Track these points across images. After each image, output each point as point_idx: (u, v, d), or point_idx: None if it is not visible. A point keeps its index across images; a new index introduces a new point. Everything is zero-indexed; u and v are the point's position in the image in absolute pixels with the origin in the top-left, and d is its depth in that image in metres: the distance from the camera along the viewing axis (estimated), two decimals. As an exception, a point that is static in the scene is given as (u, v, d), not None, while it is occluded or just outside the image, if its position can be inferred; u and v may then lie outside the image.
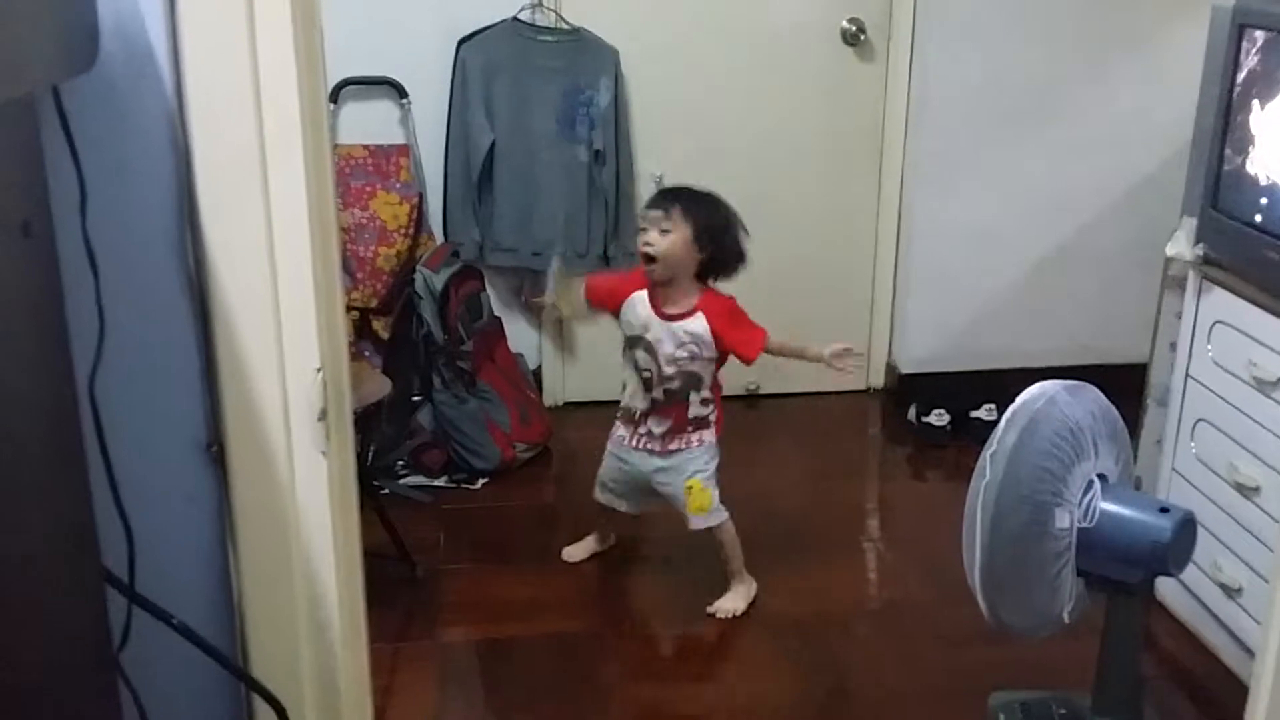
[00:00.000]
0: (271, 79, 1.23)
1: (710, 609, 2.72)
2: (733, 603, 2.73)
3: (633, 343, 2.65)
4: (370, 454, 3.20)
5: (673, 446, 2.69)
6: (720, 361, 2.68)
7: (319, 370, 1.32)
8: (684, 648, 2.67)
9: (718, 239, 2.57)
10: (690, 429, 2.68)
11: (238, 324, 1.27)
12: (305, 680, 1.38)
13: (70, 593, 1.18)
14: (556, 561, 2.95)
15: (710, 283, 2.64)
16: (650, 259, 2.55)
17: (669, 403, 2.65)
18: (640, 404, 2.68)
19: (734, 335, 2.61)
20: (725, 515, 2.73)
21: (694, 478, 2.68)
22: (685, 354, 2.60)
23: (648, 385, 2.65)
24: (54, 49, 1.08)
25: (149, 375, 1.30)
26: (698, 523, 2.71)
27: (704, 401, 2.68)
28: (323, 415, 1.34)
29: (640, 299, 2.62)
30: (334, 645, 1.39)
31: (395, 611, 2.70)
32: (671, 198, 2.58)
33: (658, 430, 2.68)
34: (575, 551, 2.94)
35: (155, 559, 1.30)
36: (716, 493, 2.71)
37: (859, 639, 2.68)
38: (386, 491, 3.14)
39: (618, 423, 2.76)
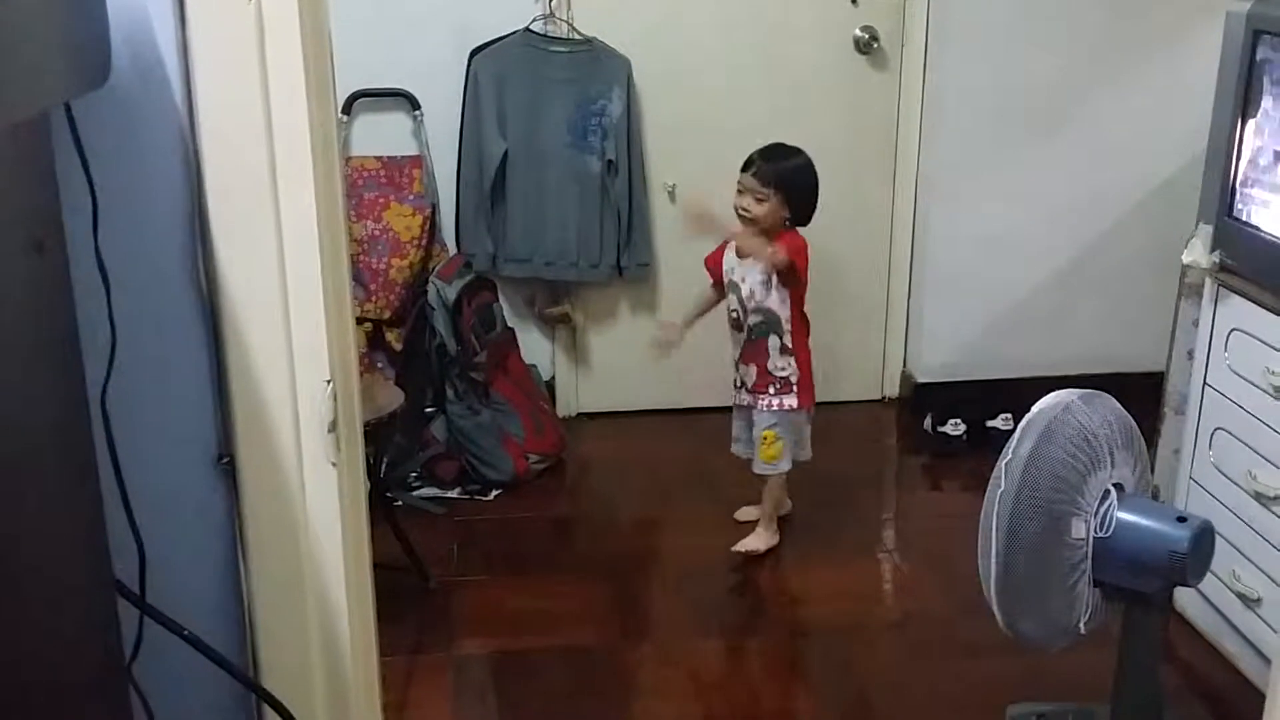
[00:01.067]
0: (281, 96, 1.24)
1: (735, 547, 2.98)
2: (754, 542, 3.00)
3: (727, 289, 2.96)
4: (383, 465, 3.21)
5: (760, 404, 2.94)
6: (797, 301, 2.91)
7: (329, 382, 1.33)
8: (700, 660, 2.66)
9: (805, 199, 2.89)
10: (772, 388, 2.93)
11: (248, 337, 1.28)
12: (316, 691, 1.39)
13: (82, 604, 1.19)
14: (570, 573, 2.95)
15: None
16: (747, 220, 2.86)
17: (753, 341, 2.92)
18: (734, 351, 2.98)
19: (789, 259, 2.84)
20: (787, 469, 3.00)
21: (770, 429, 2.94)
22: (760, 284, 2.87)
23: (738, 325, 2.94)
24: (67, 66, 1.09)
25: (160, 388, 1.31)
26: (762, 469, 2.99)
27: (783, 350, 2.91)
28: (332, 427, 1.34)
29: (730, 247, 2.94)
30: (344, 655, 1.40)
31: (409, 624, 2.69)
32: (767, 167, 2.85)
33: (748, 381, 2.96)
34: (747, 511, 3.13)
35: (166, 570, 1.31)
36: (789, 447, 2.98)
37: (876, 650, 2.67)
38: (400, 503, 3.14)
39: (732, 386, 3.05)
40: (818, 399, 3.86)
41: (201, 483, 1.34)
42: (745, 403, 2.99)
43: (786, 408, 2.94)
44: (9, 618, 1.02)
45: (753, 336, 2.92)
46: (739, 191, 2.87)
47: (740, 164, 2.90)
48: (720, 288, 3.01)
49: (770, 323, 2.90)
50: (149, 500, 1.28)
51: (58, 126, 1.19)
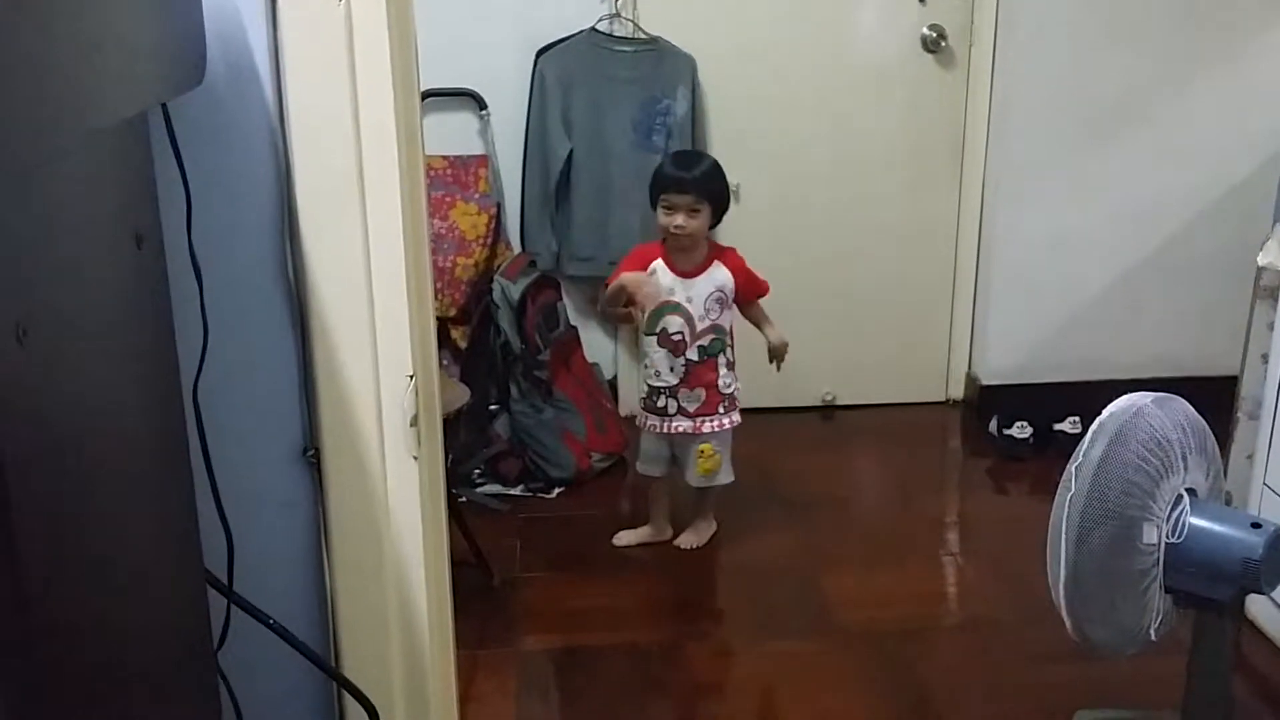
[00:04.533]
0: (369, 96, 1.27)
1: (678, 543, 3.01)
2: (697, 537, 3.03)
3: (660, 311, 2.82)
4: (448, 462, 3.24)
5: (705, 429, 2.87)
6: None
7: (411, 377, 1.35)
8: (760, 660, 2.66)
9: (726, 203, 2.87)
10: (721, 408, 2.88)
11: (334, 333, 1.31)
12: (395, 681, 1.41)
13: (173, 593, 1.22)
14: (632, 571, 2.96)
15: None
16: (681, 236, 2.80)
17: (701, 362, 2.83)
18: (672, 377, 2.84)
19: (748, 276, 2.88)
20: (730, 480, 2.98)
21: (707, 443, 2.89)
22: (714, 302, 2.82)
23: (677, 349, 2.82)
24: (165, 68, 1.12)
25: (250, 383, 1.34)
26: (703, 482, 2.95)
27: (729, 365, 2.87)
28: (414, 421, 1.37)
29: (660, 267, 2.83)
30: (424, 646, 1.42)
31: (473, 619, 2.71)
32: (696, 183, 2.78)
33: (691, 407, 2.86)
34: (626, 537, 3.06)
35: (253, 561, 1.34)
36: (726, 460, 2.96)
37: (939, 654, 2.65)
38: (464, 500, 3.17)
39: (645, 414, 2.92)
40: (880, 401, 3.85)
41: (288, 475, 1.37)
42: (682, 429, 2.87)
43: (731, 425, 2.90)
44: (105, 604, 1.05)
45: (702, 357, 2.84)
46: (667, 209, 2.78)
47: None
48: (626, 310, 2.88)
49: (719, 338, 2.85)
50: (237, 492, 1.32)
51: (155, 125, 1.22)
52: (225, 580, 1.31)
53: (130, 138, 1.12)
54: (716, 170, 2.84)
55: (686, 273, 2.82)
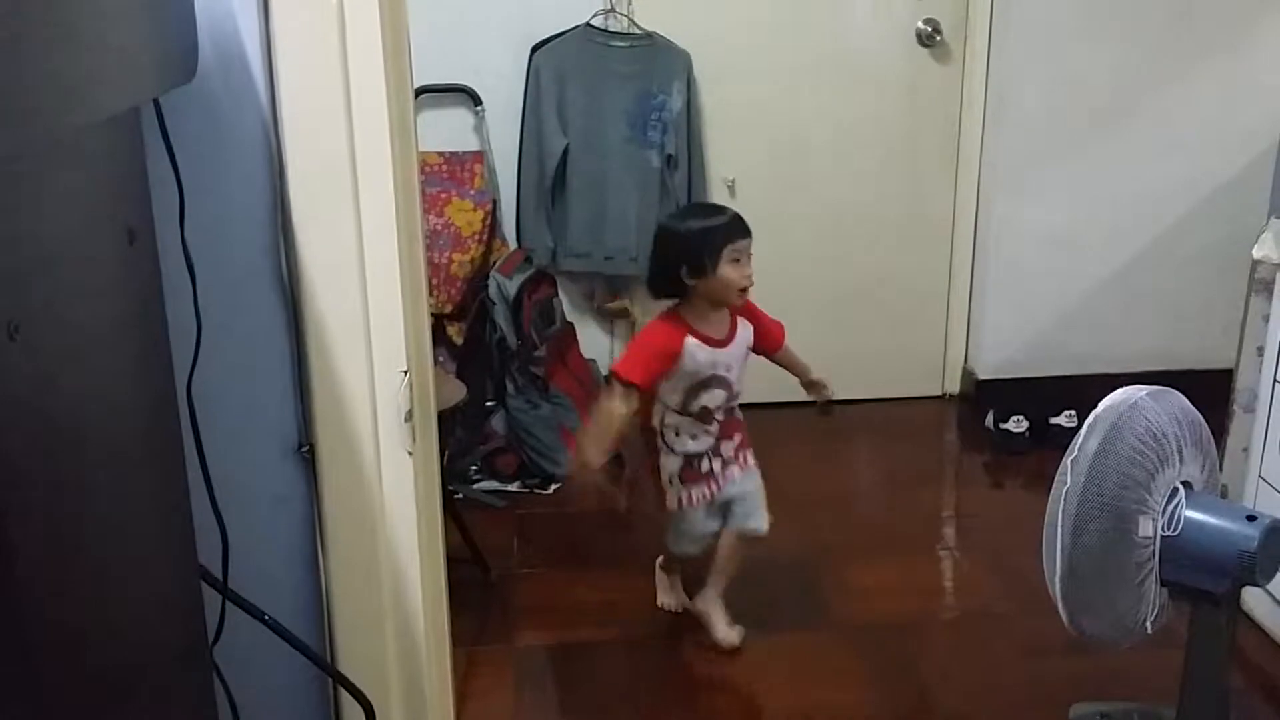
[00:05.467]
0: (362, 91, 1.26)
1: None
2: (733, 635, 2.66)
3: (701, 386, 2.48)
4: (444, 459, 3.24)
5: (751, 462, 2.59)
6: None
7: (405, 373, 1.35)
8: (758, 654, 2.66)
9: None
10: (748, 442, 2.61)
11: (328, 328, 1.31)
12: (391, 676, 1.41)
13: (168, 589, 1.22)
14: (629, 566, 2.95)
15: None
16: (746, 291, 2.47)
17: (729, 417, 2.55)
18: (710, 440, 2.54)
19: (763, 321, 2.57)
20: None
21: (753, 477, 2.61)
22: (743, 358, 2.54)
23: (706, 418, 2.51)
24: (157, 63, 1.12)
25: (244, 378, 1.34)
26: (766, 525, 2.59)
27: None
28: (409, 416, 1.36)
29: (696, 345, 2.45)
30: (419, 641, 1.42)
31: (470, 616, 2.71)
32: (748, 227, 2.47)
33: (727, 452, 2.55)
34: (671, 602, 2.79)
35: (248, 557, 1.34)
36: None
37: (936, 648, 2.65)
38: (460, 496, 3.17)
39: (686, 488, 2.55)
40: (877, 395, 3.84)
41: (282, 471, 1.37)
42: (734, 476, 2.55)
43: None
44: (101, 601, 1.05)
45: (731, 415, 2.55)
46: (736, 261, 2.40)
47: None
48: (642, 397, 2.44)
49: (741, 388, 2.56)
50: (231, 488, 1.31)
51: (147, 120, 1.22)
52: (220, 576, 1.31)
53: (122, 133, 1.12)
54: None
55: (721, 341, 2.47)
